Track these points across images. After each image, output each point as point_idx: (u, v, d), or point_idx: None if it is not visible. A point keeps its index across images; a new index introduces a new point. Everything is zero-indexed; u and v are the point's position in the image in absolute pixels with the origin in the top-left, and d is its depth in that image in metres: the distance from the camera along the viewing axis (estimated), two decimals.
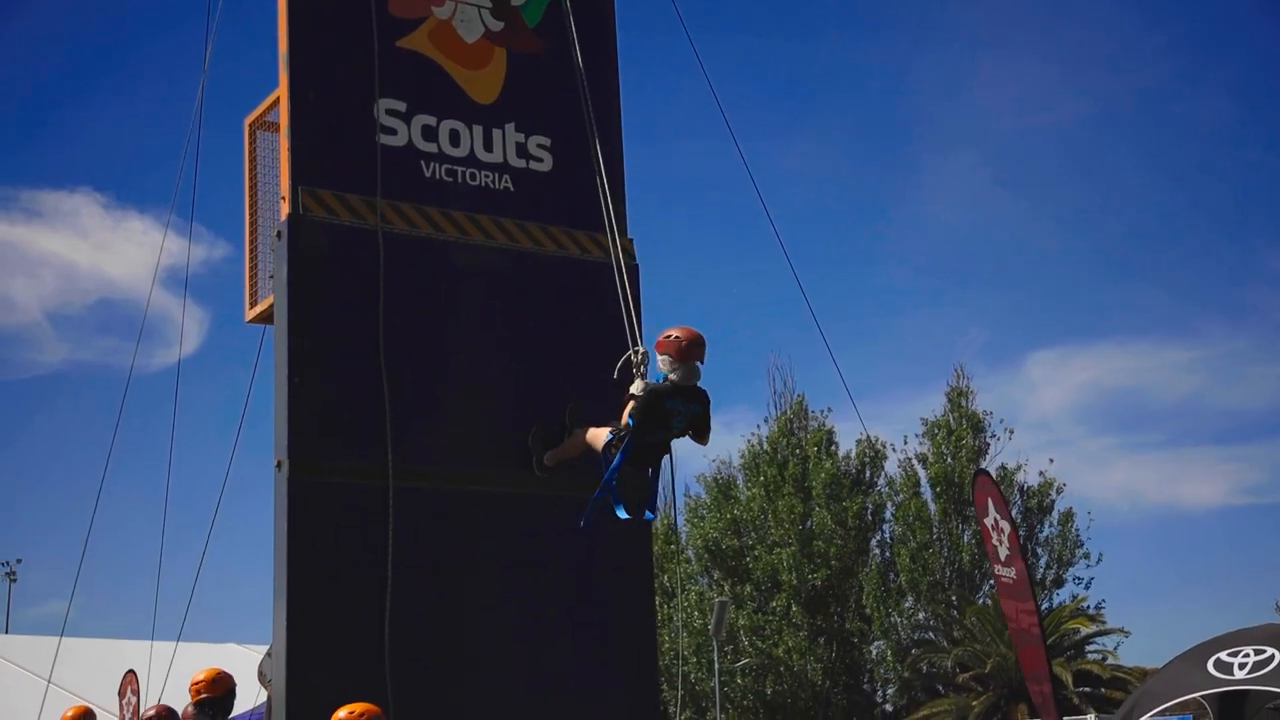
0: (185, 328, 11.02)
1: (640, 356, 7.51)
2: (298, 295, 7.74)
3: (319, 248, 7.86)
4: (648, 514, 7.51)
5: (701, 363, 7.43)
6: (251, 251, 8.61)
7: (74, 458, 71.70)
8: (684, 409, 7.35)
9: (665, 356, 7.34)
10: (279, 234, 7.88)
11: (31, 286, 71.60)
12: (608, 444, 7.39)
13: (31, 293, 72.86)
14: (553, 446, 7.97)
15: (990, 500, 12.37)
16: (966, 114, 68.02)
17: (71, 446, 72.62)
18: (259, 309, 8.42)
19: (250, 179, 8.75)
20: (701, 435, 7.68)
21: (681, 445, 7.61)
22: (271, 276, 8.08)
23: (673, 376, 7.31)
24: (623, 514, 7.28)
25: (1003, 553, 12.20)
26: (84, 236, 72.17)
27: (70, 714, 11.12)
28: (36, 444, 74.75)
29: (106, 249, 71.09)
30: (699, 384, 7.44)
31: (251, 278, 8.59)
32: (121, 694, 15.50)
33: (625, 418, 7.31)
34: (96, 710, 11.66)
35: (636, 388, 7.35)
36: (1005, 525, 12.24)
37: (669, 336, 7.37)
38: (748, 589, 47.21)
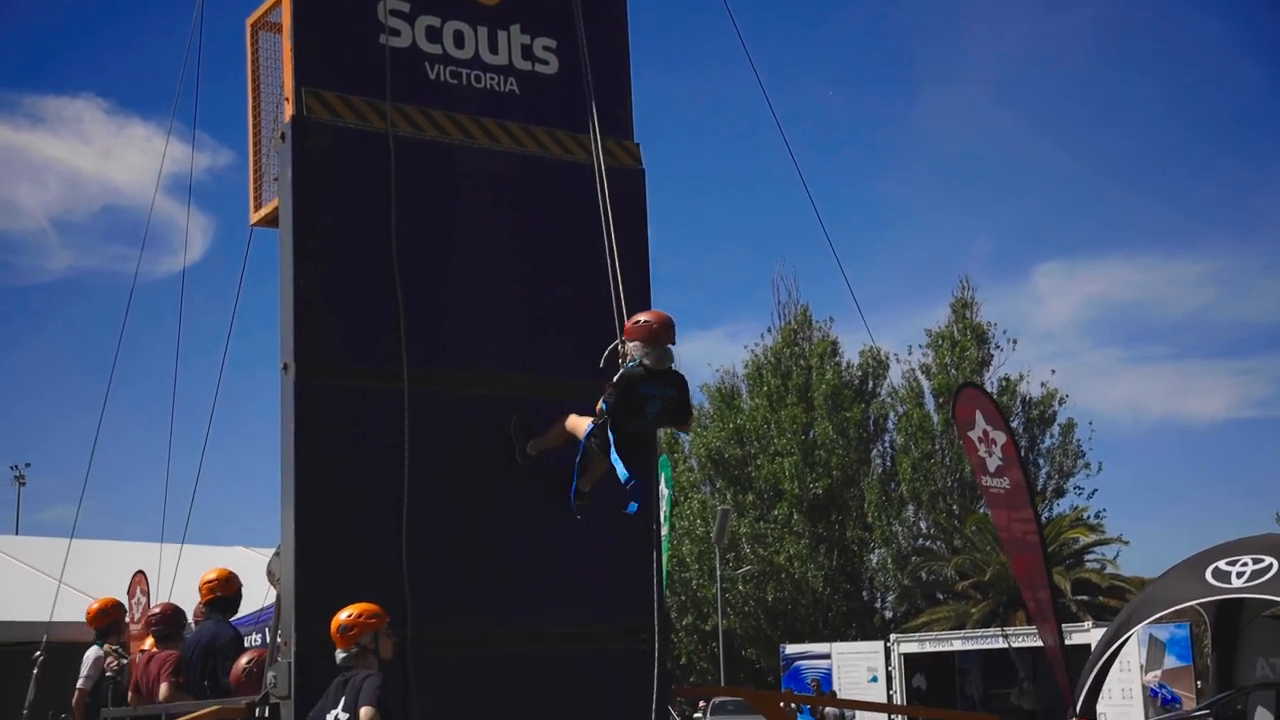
0: (190, 235, 11.01)
1: (624, 344, 7.52)
2: (302, 197, 7.72)
3: (323, 149, 7.82)
4: (631, 506, 7.40)
5: (673, 344, 7.40)
6: (255, 154, 8.56)
7: (81, 363, 71.99)
8: (659, 393, 7.33)
9: (635, 342, 7.33)
10: (282, 136, 7.84)
11: (36, 192, 71.41)
12: (589, 434, 7.39)
13: (36, 199, 72.67)
14: (533, 436, 7.93)
15: (979, 411, 12.41)
16: (974, 28, 67.28)
17: (78, 352, 72.93)
18: (263, 212, 8.40)
19: (253, 80, 8.68)
20: (681, 421, 7.71)
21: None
22: (275, 179, 8.05)
23: (646, 361, 7.29)
24: (634, 508, 7.31)
25: (992, 464, 12.28)
26: (88, 142, 71.83)
27: (95, 606, 11.26)
28: (44, 350, 75.04)
29: (110, 155, 70.80)
30: (674, 369, 7.46)
31: (255, 180, 8.55)
32: (131, 594, 15.68)
33: (600, 404, 7.33)
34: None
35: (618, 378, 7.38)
36: (999, 435, 12.30)
37: (637, 322, 7.37)
38: (750, 497, 47.56)
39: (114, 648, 10.84)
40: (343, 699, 6.74)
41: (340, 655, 6.84)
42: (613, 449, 7.18)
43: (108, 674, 10.52)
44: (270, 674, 7.37)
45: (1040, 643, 33.57)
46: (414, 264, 7.95)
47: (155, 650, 9.57)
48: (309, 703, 7.01)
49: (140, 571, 15.37)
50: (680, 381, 7.52)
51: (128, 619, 14.74)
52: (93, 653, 10.87)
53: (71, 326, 77.15)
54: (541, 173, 8.52)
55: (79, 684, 10.75)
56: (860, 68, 72.21)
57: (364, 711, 6.53)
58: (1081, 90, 69.58)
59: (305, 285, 7.63)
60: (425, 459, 7.76)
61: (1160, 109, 68.79)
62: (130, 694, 9.53)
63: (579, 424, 7.53)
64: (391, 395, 7.74)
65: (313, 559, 7.40)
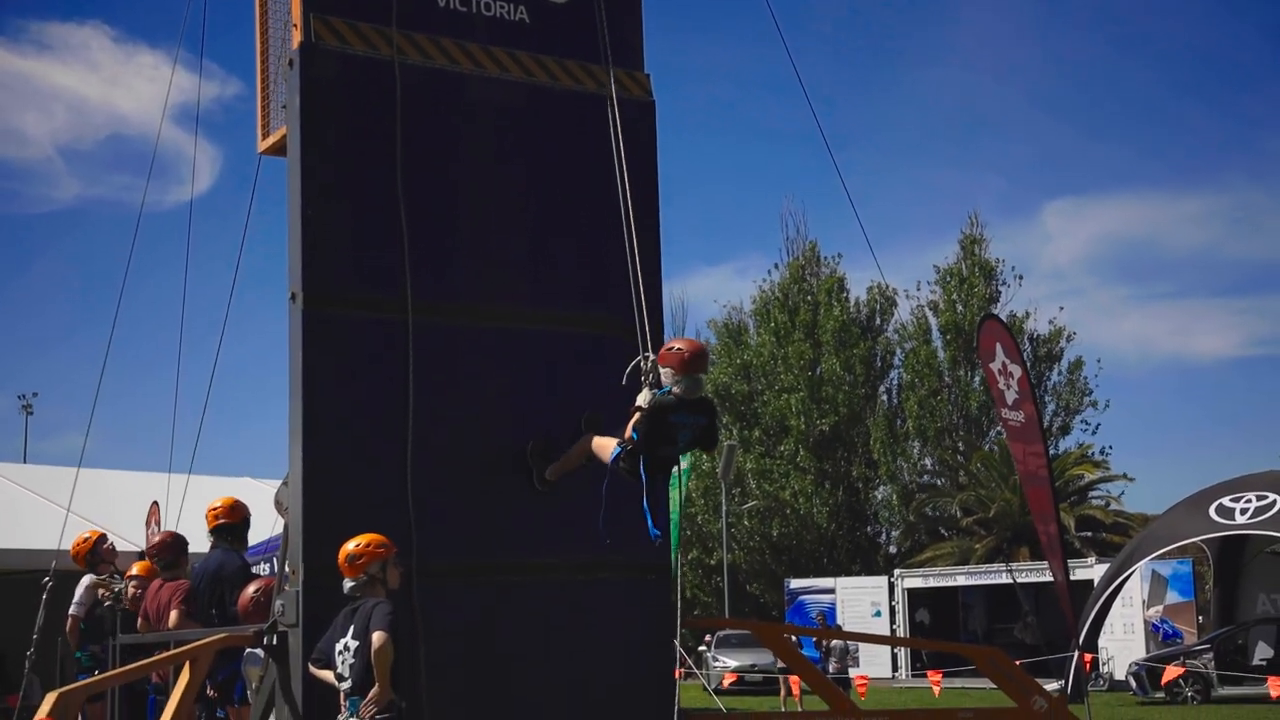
0: (198, 165, 10.96)
1: (650, 364, 7.45)
2: (310, 124, 7.66)
3: (331, 77, 7.75)
4: (653, 531, 7.39)
5: (705, 374, 7.36)
6: (263, 81, 8.48)
7: (89, 293, 72.04)
8: (689, 421, 7.28)
9: (668, 369, 7.26)
10: (290, 62, 7.77)
11: (43, 121, 71.08)
12: (615, 457, 7.33)
13: (43, 127, 72.35)
14: (552, 460, 7.88)
15: (999, 344, 12.40)
16: None
17: (86, 282, 72.90)
18: (271, 140, 8.34)
19: (260, 7, 8.59)
20: (709, 446, 7.69)
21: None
22: (284, 107, 7.97)
23: (676, 389, 7.21)
24: (654, 531, 7.25)
25: (1010, 396, 12.28)
26: (94, 70, 71.40)
27: (91, 537, 11.36)
28: (52, 279, 75.04)
29: (117, 84, 70.41)
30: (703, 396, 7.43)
31: (263, 108, 8.48)
32: (148, 524, 15.82)
33: (630, 431, 7.24)
34: (112, 536, 11.90)
35: (643, 399, 7.27)
36: (1015, 369, 12.29)
37: (671, 349, 7.29)
38: (756, 433, 47.67)
39: (104, 577, 10.93)
40: (352, 627, 6.78)
41: (348, 584, 6.87)
42: (645, 498, 7.17)
43: (105, 603, 10.61)
44: (278, 602, 7.41)
45: (1043, 578, 33.85)
46: (421, 193, 7.90)
47: (165, 578, 9.64)
48: (316, 631, 7.05)
49: (155, 502, 15.46)
50: (710, 408, 7.51)
51: (143, 549, 14.86)
52: (86, 580, 10.98)
53: (79, 256, 77.17)
54: (551, 103, 8.44)
55: (71, 610, 10.86)
56: (878, 2, 71.47)
57: (376, 636, 6.57)
58: (1096, 23, 68.86)
59: (313, 214, 7.59)
60: (432, 389, 7.75)
61: (1173, 45, 68.16)
62: (140, 620, 9.60)
63: (604, 446, 7.46)
64: (399, 325, 7.72)
65: (320, 489, 7.41)
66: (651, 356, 7.45)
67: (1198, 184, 68.75)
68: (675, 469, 7.66)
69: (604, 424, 7.75)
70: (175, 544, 9.81)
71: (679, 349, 7.26)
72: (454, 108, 8.15)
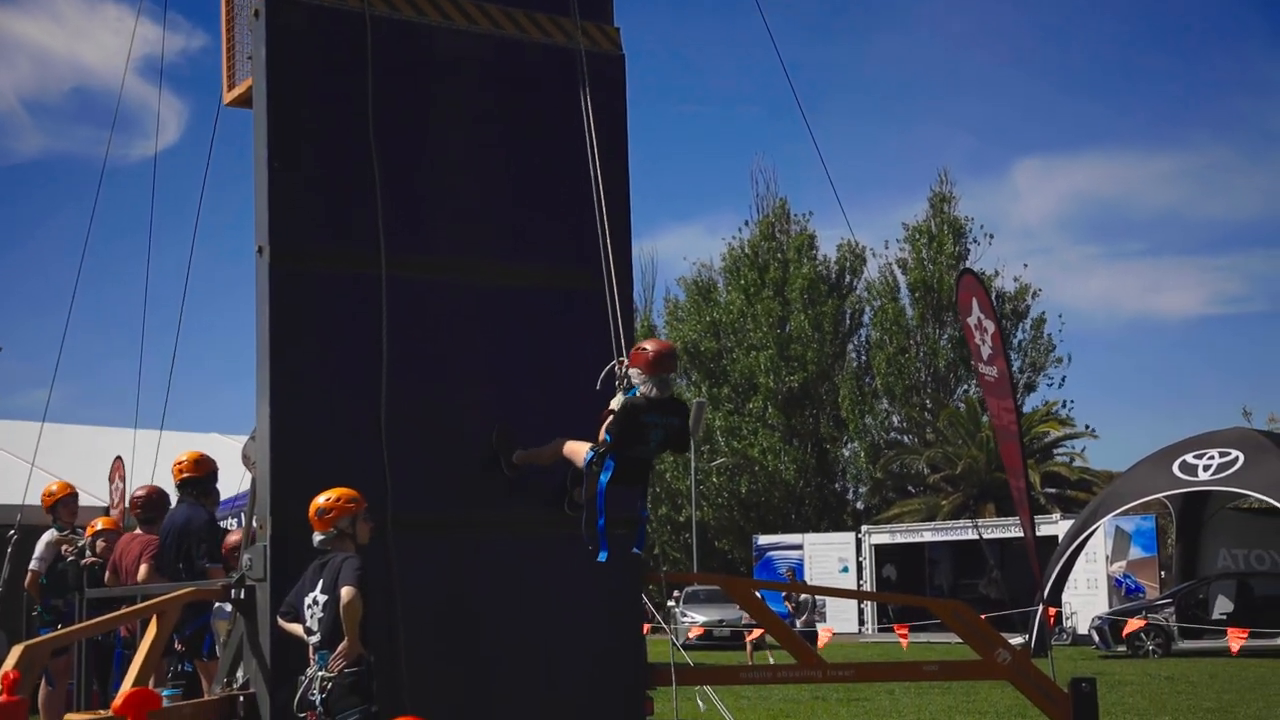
0: (164, 118, 10.85)
1: (625, 369, 7.45)
2: (276, 75, 7.57)
3: (298, 27, 7.66)
4: (635, 548, 7.47)
5: (674, 374, 7.35)
6: (228, 31, 8.38)
7: (55, 247, 71.16)
8: (661, 422, 7.27)
9: (636, 370, 7.27)
10: (256, 12, 7.67)
11: (6, 73, 70.08)
12: (588, 461, 7.30)
13: (6, 79, 71.34)
14: (516, 446, 7.84)
15: (975, 299, 12.43)
16: None
17: (52, 236, 72.06)
18: (237, 91, 8.25)
19: None
20: (682, 448, 7.68)
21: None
22: (249, 57, 7.89)
23: (644, 389, 7.22)
24: (604, 557, 7.21)
25: (985, 351, 12.32)
26: (59, 22, 70.42)
27: (54, 488, 11.33)
28: (16, 233, 74.09)
29: (82, 36, 69.48)
30: (675, 396, 7.43)
31: (229, 58, 8.38)
32: (111, 479, 15.74)
33: (603, 433, 7.26)
34: (79, 491, 11.86)
35: (616, 403, 7.30)
36: (989, 324, 12.32)
37: (640, 349, 7.30)
38: (725, 390, 47.80)
39: (66, 532, 10.90)
40: (321, 581, 6.77)
41: (318, 538, 6.86)
42: (603, 491, 7.16)
43: (69, 558, 10.59)
44: (246, 556, 7.40)
45: (1008, 534, 34.14)
46: (391, 147, 7.83)
47: (137, 532, 9.63)
48: (284, 585, 7.04)
49: (119, 457, 15.40)
50: (682, 409, 7.51)
51: (108, 504, 14.82)
52: (47, 535, 10.95)
53: (43, 210, 76.27)
54: (521, 56, 8.38)
55: (32, 566, 10.83)
56: None
57: (345, 591, 6.57)
58: None
59: (280, 167, 7.52)
60: (402, 344, 7.72)
61: (1144, 3, 68.19)
62: (108, 574, 9.59)
63: (577, 450, 7.44)
64: (368, 280, 7.67)
65: (288, 443, 7.39)
66: (626, 362, 7.46)
67: (1168, 143, 69.04)
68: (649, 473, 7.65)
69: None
70: (159, 499, 9.79)
71: (646, 349, 7.27)
72: (424, 60, 8.08)
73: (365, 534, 6.97)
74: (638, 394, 7.22)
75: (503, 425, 7.85)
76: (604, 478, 7.16)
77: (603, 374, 7.55)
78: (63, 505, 11.19)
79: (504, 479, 7.88)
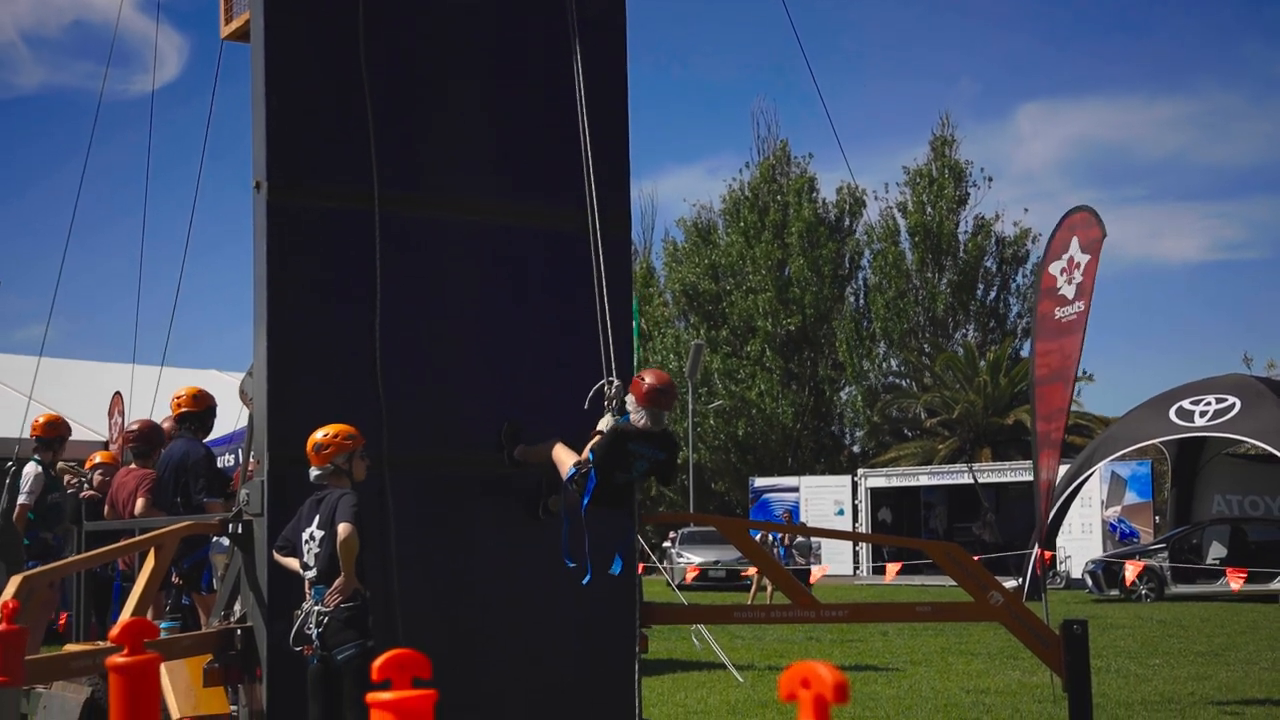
0: (164, 53, 10.76)
1: (614, 389, 7.41)
2: (274, 8, 7.50)
3: None
4: (615, 566, 7.41)
5: (668, 411, 7.31)
6: None
7: (55, 182, 70.84)
8: (648, 453, 7.25)
9: (631, 398, 7.24)
10: None
11: (5, 6, 69.39)
12: (569, 478, 7.27)
13: (5, 12, 70.67)
14: (522, 440, 7.82)
15: (1076, 237, 12.31)
16: None
17: (52, 171, 71.71)
18: (235, 25, 8.17)
19: None
20: (666, 480, 7.69)
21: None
22: None
23: (635, 418, 7.21)
24: (588, 580, 7.22)
25: (1070, 291, 12.25)
26: None
27: (41, 419, 11.37)
28: (14, 167, 73.73)
29: None
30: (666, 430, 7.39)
31: None
32: (110, 414, 15.79)
33: (586, 452, 7.23)
34: (76, 425, 11.90)
35: (604, 423, 7.27)
36: (1084, 258, 12.20)
37: (640, 379, 7.26)
38: (723, 333, 47.81)
39: (72, 463, 10.94)
40: (317, 517, 6.80)
41: (314, 472, 6.88)
42: (584, 510, 7.16)
43: (69, 490, 10.63)
44: (243, 491, 7.42)
45: (1004, 479, 34.26)
46: (387, 82, 7.79)
47: (132, 466, 9.65)
48: (281, 520, 7.07)
49: (118, 392, 15.44)
50: (670, 444, 7.47)
51: (107, 439, 14.87)
52: (31, 469, 10.98)
53: (44, 144, 75.82)
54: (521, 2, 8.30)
55: (20, 500, 10.85)
56: None
57: (342, 528, 6.60)
58: None
59: (277, 101, 7.48)
60: (398, 281, 7.71)
61: None
62: (106, 508, 9.63)
63: (563, 463, 7.41)
64: (364, 216, 7.65)
65: (285, 379, 7.40)
66: (617, 382, 7.45)
67: (1171, 88, 68.62)
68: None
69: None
70: (153, 433, 9.80)
71: (648, 383, 7.22)
72: None
73: (361, 471, 7.00)
74: (628, 421, 7.21)
75: (512, 421, 7.85)
76: (585, 500, 7.16)
77: (591, 392, 7.55)
78: (55, 439, 11.23)
79: (498, 420, 7.90)
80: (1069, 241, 12.46)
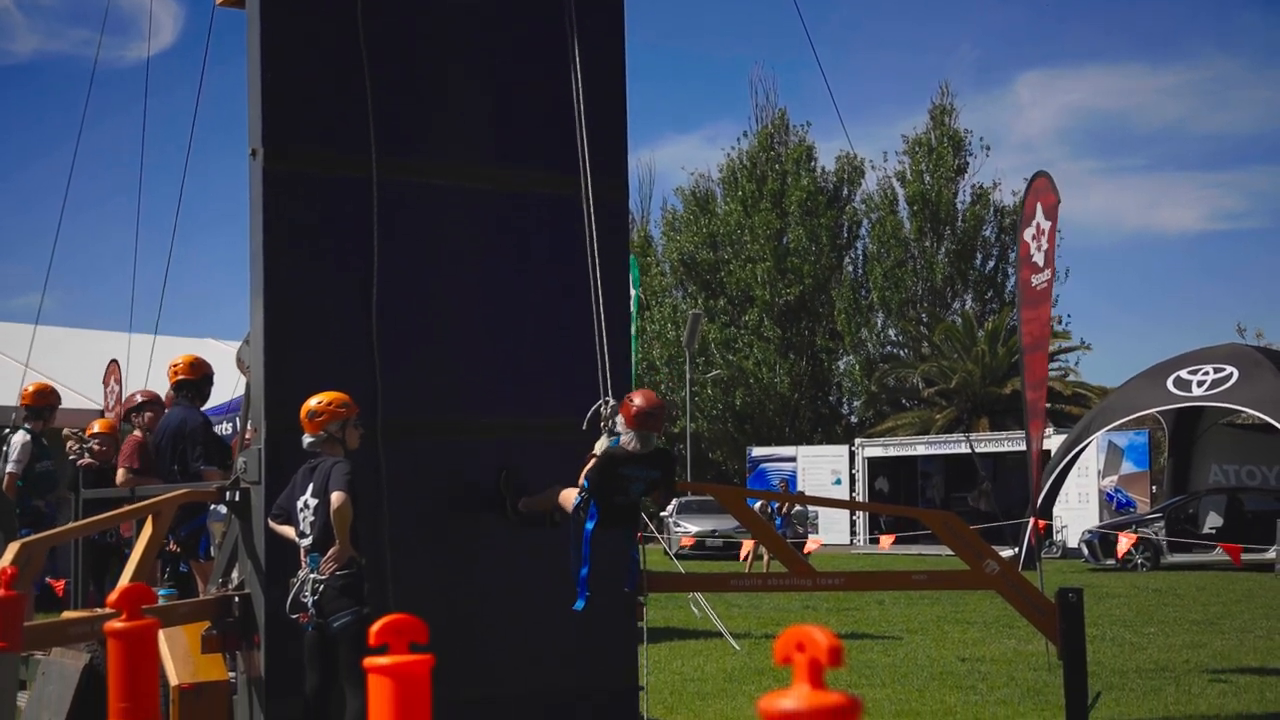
0: (160, 19, 10.69)
1: (610, 409, 7.42)
2: None
3: None
4: (627, 586, 7.53)
5: (658, 434, 7.31)
6: None
7: (50, 150, 70.60)
8: (642, 475, 7.26)
9: (620, 420, 7.26)
10: None
11: None
12: (576, 507, 7.28)
13: None
14: (522, 490, 7.80)
15: (1040, 203, 12.26)
16: None
17: (46, 139, 71.44)
18: None
19: None
20: (665, 497, 7.70)
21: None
22: None
23: (625, 440, 7.22)
24: (580, 606, 7.19)
25: (1039, 258, 12.22)
26: None
27: (31, 388, 11.38)
28: (9, 134, 73.44)
29: None
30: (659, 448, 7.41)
31: None
32: (105, 382, 15.79)
33: (581, 479, 7.25)
34: (72, 394, 11.90)
35: (599, 446, 7.30)
36: (1047, 224, 12.17)
37: (629, 400, 7.26)
38: (721, 303, 47.77)
39: (76, 430, 10.94)
40: (311, 485, 6.80)
41: (307, 440, 6.88)
42: (588, 539, 7.17)
43: (70, 456, 10.64)
44: (241, 459, 7.43)
45: (1001, 448, 34.30)
46: (384, 48, 7.74)
47: (135, 434, 9.68)
48: (278, 488, 7.08)
49: (114, 360, 15.44)
50: (664, 461, 7.49)
51: (102, 407, 14.87)
52: (19, 437, 10.98)
53: (38, 111, 75.48)
54: None
55: (9, 468, 10.85)
56: None
57: (335, 497, 6.60)
58: None
59: (273, 68, 7.44)
60: (394, 248, 7.69)
61: None
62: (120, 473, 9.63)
63: (569, 497, 7.42)
64: (361, 182, 7.63)
65: (282, 347, 7.39)
66: (612, 402, 7.45)
67: (1171, 57, 68.39)
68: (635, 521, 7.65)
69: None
70: (155, 402, 9.80)
71: (636, 405, 7.22)
72: None
73: (355, 439, 6.99)
74: (619, 444, 7.22)
75: (509, 469, 7.83)
76: (589, 525, 7.17)
77: (589, 414, 7.56)
78: (47, 406, 11.25)
79: (495, 388, 7.90)
80: (1035, 207, 12.42)
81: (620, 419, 7.28)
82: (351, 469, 6.76)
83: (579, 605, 7.16)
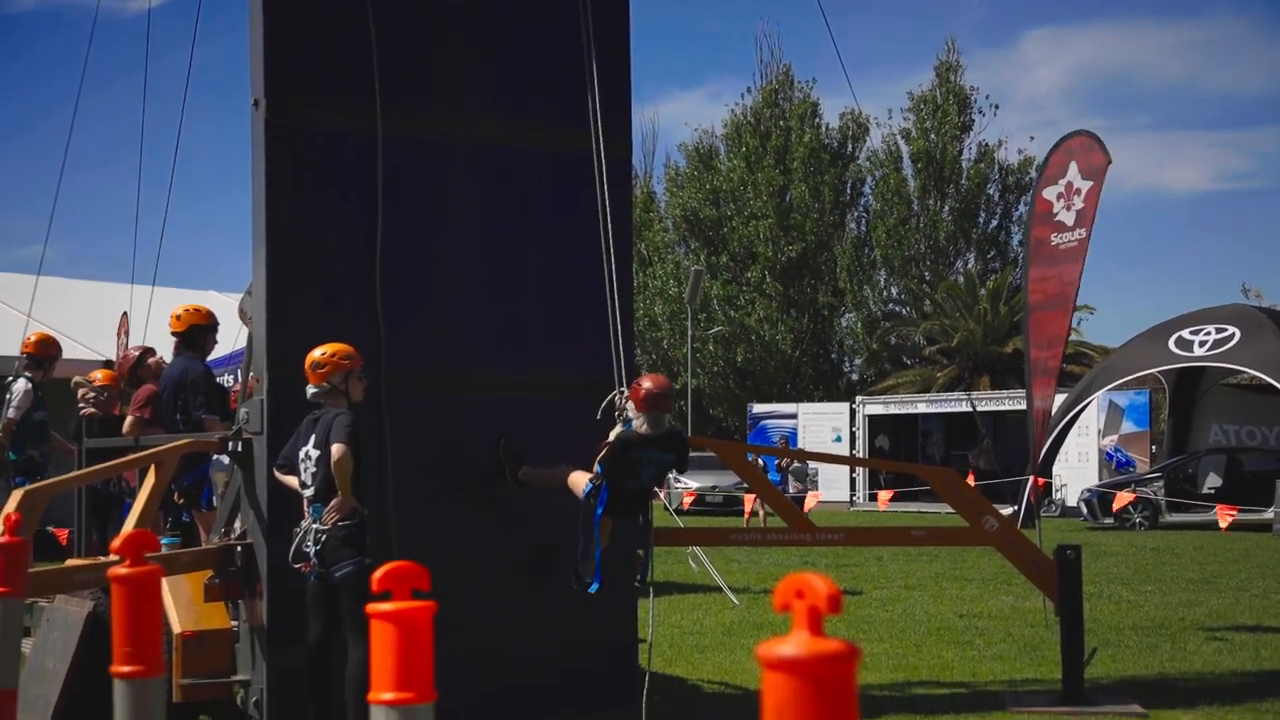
0: None
1: (623, 399, 7.49)
2: None
3: None
4: (637, 581, 7.68)
5: (668, 413, 7.38)
6: None
7: (53, 102, 70.36)
8: (655, 457, 7.34)
9: (631, 405, 7.33)
10: None
11: None
12: (586, 493, 7.35)
13: None
14: (522, 459, 7.82)
15: (1075, 162, 12.12)
16: None
17: (50, 90, 71.11)
18: None
19: None
20: (680, 472, 7.81)
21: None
22: None
23: (636, 423, 7.30)
24: (595, 588, 7.28)
25: (1069, 218, 12.09)
26: None
27: (33, 338, 11.41)
28: (11, 85, 73.14)
29: None
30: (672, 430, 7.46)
31: None
32: (118, 335, 15.88)
33: (596, 465, 7.32)
34: (75, 344, 11.93)
35: (614, 435, 7.37)
36: (1085, 185, 12.01)
37: (638, 384, 7.34)
38: (724, 259, 47.67)
39: (85, 378, 10.99)
40: (314, 436, 6.83)
41: (311, 390, 6.90)
42: (597, 522, 7.25)
43: (79, 405, 10.69)
44: (243, 410, 7.45)
45: (1001, 407, 34.33)
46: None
47: (147, 385, 9.73)
48: (281, 439, 7.10)
49: (125, 313, 15.49)
50: (678, 443, 7.55)
51: (110, 359, 14.92)
52: (21, 385, 11.02)
53: (40, 62, 75.15)
54: None
55: (9, 413, 10.91)
56: None
57: (335, 449, 6.62)
58: None
59: (275, 16, 7.41)
60: (397, 199, 7.69)
61: None
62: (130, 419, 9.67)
63: (578, 483, 7.49)
64: (365, 134, 7.61)
65: (284, 298, 7.39)
66: (625, 392, 7.51)
67: (1178, 15, 67.95)
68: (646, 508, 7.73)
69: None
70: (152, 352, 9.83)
71: (645, 388, 7.30)
72: None
73: (358, 392, 7.00)
74: (631, 429, 7.31)
75: (507, 437, 7.86)
76: (599, 510, 7.26)
77: (603, 404, 7.62)
78: (48, 355, 11.29)
79: (496, 342, 7.92)
80: (1067, 166, 12.28)
81: (630, 404, 7.37)
82: (353, 421, 6.78)
83: (594, 588, 7.28)
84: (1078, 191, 12.03)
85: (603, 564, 7.23)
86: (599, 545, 7.27)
